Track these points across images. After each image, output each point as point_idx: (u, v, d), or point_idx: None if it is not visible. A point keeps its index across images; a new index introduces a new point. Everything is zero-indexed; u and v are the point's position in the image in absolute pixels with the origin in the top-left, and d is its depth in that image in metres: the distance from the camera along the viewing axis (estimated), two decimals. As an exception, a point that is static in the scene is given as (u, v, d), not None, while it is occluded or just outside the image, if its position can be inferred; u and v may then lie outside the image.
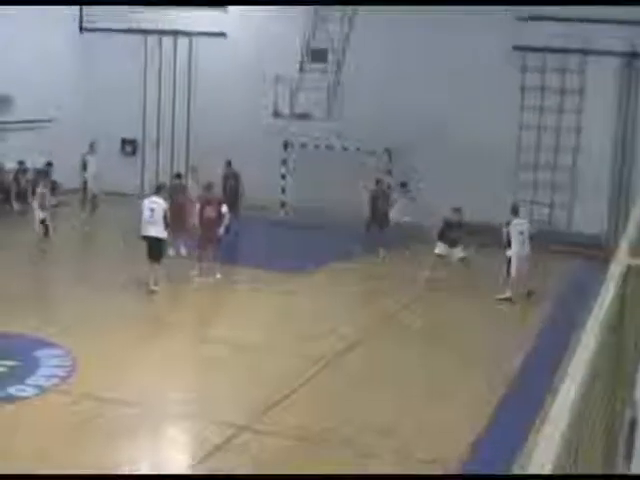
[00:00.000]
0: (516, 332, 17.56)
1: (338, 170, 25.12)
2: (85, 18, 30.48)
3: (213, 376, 14.19)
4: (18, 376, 13.43)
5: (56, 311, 17.61)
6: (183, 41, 29.63)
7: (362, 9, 24.35)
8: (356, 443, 11.67)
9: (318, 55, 24.60)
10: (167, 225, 18.43)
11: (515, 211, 19.78)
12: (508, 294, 19.13)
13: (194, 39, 29.43)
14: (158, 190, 19.16)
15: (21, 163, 27.65)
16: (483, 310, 18.63)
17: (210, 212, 19.72)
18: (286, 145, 26.70)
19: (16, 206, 27.09)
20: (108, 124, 29.16)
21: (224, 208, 19.81)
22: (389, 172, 25.19)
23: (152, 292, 18.42)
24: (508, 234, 19.24)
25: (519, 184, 25.72)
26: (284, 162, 26.84)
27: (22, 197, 27.39)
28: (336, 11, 24.32)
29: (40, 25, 27.92)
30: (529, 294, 19.37)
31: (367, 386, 13.97)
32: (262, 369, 14.46)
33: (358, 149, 25.51)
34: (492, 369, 14.81)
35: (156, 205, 18.44)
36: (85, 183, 26.15)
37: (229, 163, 24.49)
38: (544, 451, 2.71)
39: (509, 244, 19.20)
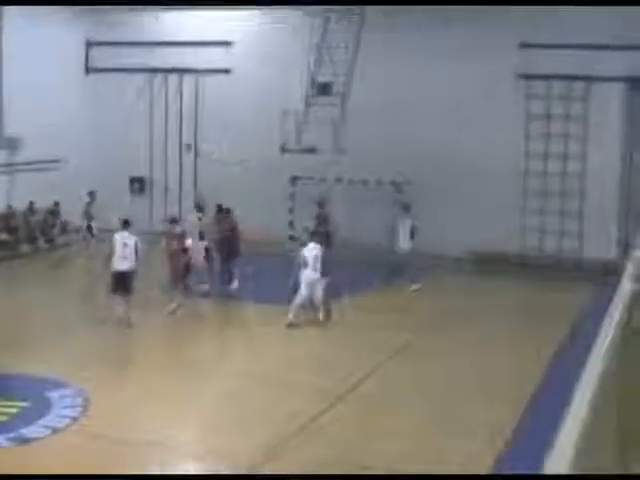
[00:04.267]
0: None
1: (346, 202, 25.19)
2: (90, 59, 30.69)
3: (226, 411, 14.11)
4: (30, 417, 13.42)
5: (66, 350, 17.53)
6: (189, 79, 29.81)
7: (365, 40, 24.41)
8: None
9: (323, 88, 24.68)
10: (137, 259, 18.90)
11: None
12: None
13: (200, 76, 29.60)
14: (125, 225, 19.35)
15: (31, 204, 27.79)
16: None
17: (175, 246, 20.23)
18: (293, 179, 26.76)
19: (25, 248, 27.19)
20: (116, 162, 29.32)
21: (188, 242, 20.31)
22: (406, 208, 24.95)
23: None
24: None
25: (527, 211, 25.82)
26: (291, 196, 26.88)
27: (31, 238, 27.54)
28: (340, 43, 24.39)
29: (46, 67, 28.13)
30: None
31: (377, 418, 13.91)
32: (277, 404, 14.41)
33: (365, 181, 25.54)
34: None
35: (128, 240, 18.87)
36: (89, 227, 26.27)
37: (321, 204, 24.54)
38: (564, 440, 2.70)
39: None
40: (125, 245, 18.88)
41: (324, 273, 19.20)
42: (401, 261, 23.18)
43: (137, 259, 18.93)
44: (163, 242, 20.76)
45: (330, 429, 13.25)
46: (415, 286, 22.86)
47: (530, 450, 8.92)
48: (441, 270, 24.90)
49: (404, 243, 23.16)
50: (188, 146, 29.10)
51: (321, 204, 24.52)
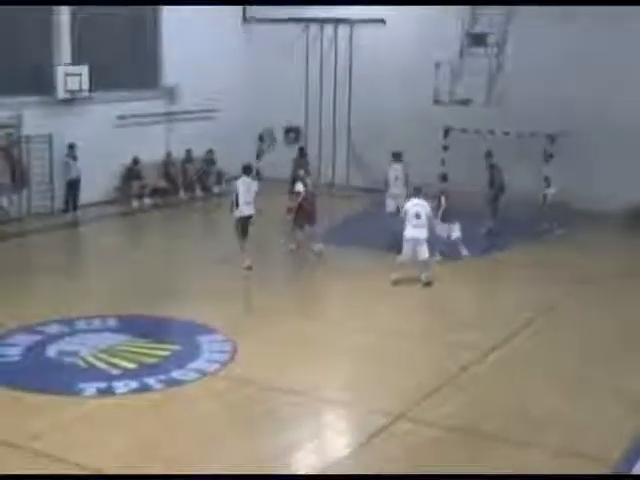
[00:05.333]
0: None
1: (499, 155, 24.77)
2: (248, 9, 31.01)
3: (367, 364, 14.22)
4: (181, 360, 13.89)
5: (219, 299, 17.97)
6: (344, 29, 29.78)
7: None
8: (512, 435, 11.55)
9: (478, 39, 24.28)
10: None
11: None
12: None
13: (354, 26, 29.54)
14: (246, 171, 19.79)
15: (188, 152, 28.48)
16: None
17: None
18: (447, 131, 26.50)
19: (183, 195, 27.95)
20: (272, 112, 29.65)
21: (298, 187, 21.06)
22: (551, 156, 24.55)
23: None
24: None
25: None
26: (445, 148, 26.62)
27: (189, 186, 28.26)
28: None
29: (204, 17, 28.59)
30: None
31: (525, 375, 13.80)
32: (415, 357, 14.48)
33: (520, 135, 25.09)
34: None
35: (251, 185, 19.45)
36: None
37: (489, 154, 24.04)
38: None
39: None
40: (248, 190, 19.33)
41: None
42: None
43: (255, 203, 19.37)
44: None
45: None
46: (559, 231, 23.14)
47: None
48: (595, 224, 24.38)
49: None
50: None
51: (489, 155, 24.08)
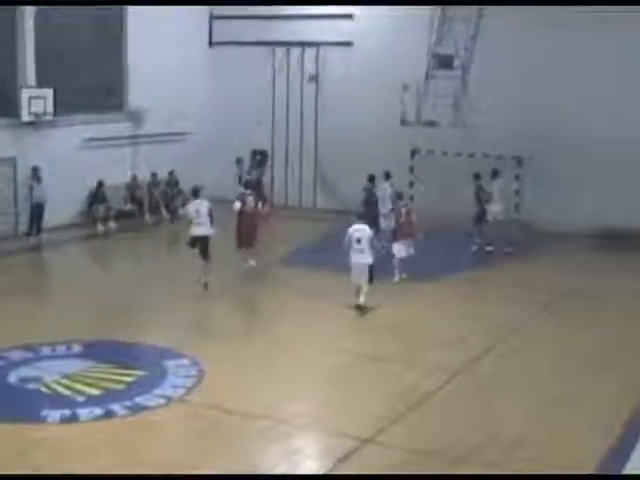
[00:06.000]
0: None
1: (467, 176, 24.86)
2: (214, 32, 30.99)
3: (334, 387, 14.11)
4: (147, 386, 13.70)
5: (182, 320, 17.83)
6: (310, 51, 29.80)
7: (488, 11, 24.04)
8: (481, 457, 11.47)
9: (444, 61, 24.35)
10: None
11: None
12: None
13: (321, 49, 29.57)
14: (195, 193, 20.28)
15: (153, 175, 28.31)
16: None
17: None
18: (413, 153, 26.54)
19: (149, 217, 27.75)
20: (238, 135, 29.59)
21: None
22: (495, 173, 24.53)
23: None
24: None
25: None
26: (412, 170, 26.67)
27: (155, 209, 28.08)
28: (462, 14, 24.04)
29: (171, 40, 28.52)
30: None
31: (494, 396, 13.74)
32: (383, 379, 14.39)
33: (486, 155, 25.16)
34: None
35: (200, 207, 19.75)
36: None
37: (477, 176, 24.14)
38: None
39: None
40: (198, 212, 19.63)
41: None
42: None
43: (212, 223, 19.65)
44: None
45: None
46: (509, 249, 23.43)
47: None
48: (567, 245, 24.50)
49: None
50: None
51: (477, 177, 24.09)
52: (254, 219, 21.62)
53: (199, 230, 19.70)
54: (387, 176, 24.07)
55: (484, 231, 23.88)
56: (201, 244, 19.64)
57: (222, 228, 20.51)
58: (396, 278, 20.50)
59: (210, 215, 19.70)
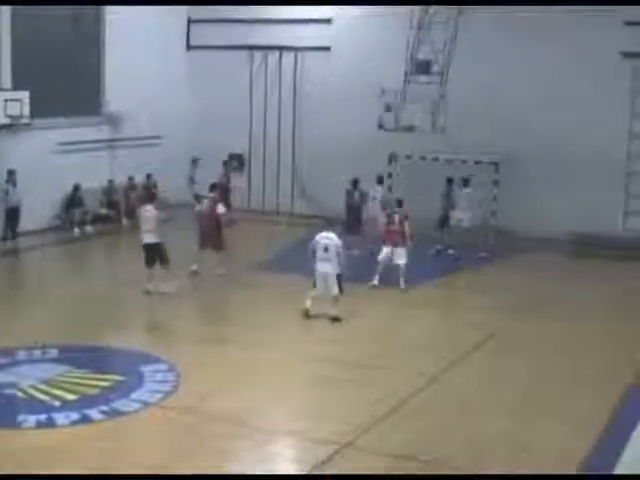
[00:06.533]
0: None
1: (444, 182, 24.99)
2: (192, 36, 30.93)
3: (311, 393, 14.08)
4: (123, 391, 13.62)
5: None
6: (289, 56, 29.78)
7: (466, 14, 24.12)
8: (459, 461, 11.46)
9: (422, 67, 24.36)
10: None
11: None
12: None
13: (299, 54, 29.55)
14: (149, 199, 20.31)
15: (130, 179, 28.19)
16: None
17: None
18: (391, 158, 26.55)
19: (125, 221, 27.61)
20: (216, 139, 29.51)
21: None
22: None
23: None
24: None
25: (630, 193, 25.35)
26: (390, 175, 26.66)
27: (132, 213, 27.91)
28: (440, 17, 24.05)
29: (148, 44, 28.42)
30: None
31: (472, 400, 13.75)
32: (363, 385, 14.36)
33: (464, 161, 25.24)
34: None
35: (150, 213, 19.48)
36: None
37: (450, 180, 24.97)
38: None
39: None
40: (147, 219, 19.39)
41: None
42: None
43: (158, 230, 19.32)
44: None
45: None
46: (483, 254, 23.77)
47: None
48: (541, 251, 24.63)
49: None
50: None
51: (450, 181, 24.83)
52: (212, 221, 20.98)
53: (148, 237, 19.42)
54: (380, 180, 24.67)
55: (445, 236, 24.31)
56: (150, 251, 19.32)
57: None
58: (374, 281, 20.43)
59: (157, 220, 19.35)
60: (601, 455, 11.64)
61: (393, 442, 12.02)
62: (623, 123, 25.29)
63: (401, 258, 20.47)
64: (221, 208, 21.09)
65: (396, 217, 20.97)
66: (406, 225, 20.77)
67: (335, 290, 17.80)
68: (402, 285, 20.32)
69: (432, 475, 10.25)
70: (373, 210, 24.07)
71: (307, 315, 17.70)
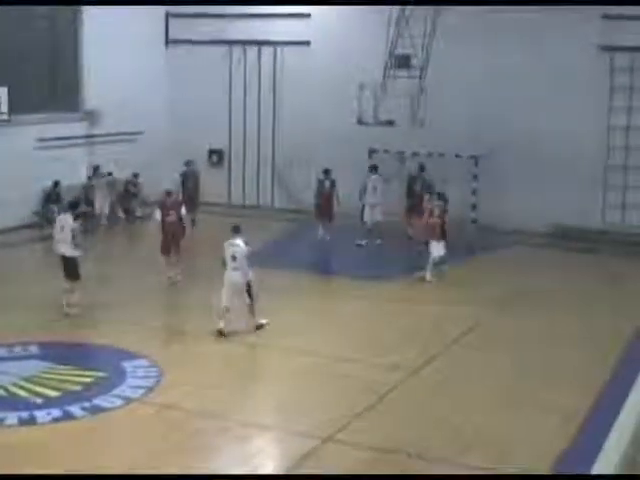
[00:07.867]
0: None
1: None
2: (170, 31, 30.83)
3: (293, 388, 14.10)
4: (105, 387, 13.59)
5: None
6: (267, 51, 29.74)
7: (443, 14, 24.17)
8: (441, 453, 11.50)
9: (402, 61, 24.38)
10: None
11: None
12: None
13: (278, 48, 29.52)
14: (71, 207, 18.49)
15: (109, 175, 28.06)
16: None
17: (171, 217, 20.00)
18: (371, 152, 26.59)
19: (104, 218, 27.47)
20: (195, 135, 29.45)
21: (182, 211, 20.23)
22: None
23: None
24: None
25: (608, 186, 25.43)
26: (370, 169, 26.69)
27: (111, 210, 27.82)
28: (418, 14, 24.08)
29: (126, 39, 28.27)
30: None
31: (454, 393, 13.80)
32: (343, 379, 14.38)
33: (442, 155, 25.31)
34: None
35: (65, 223, 17.58)
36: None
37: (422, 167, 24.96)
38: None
39: None
40: (62, 228, 17.58)
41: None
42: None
43: (75, 243, 17.44)
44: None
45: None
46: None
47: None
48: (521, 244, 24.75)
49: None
50: None
51: (422, 169, 24.93)
52: (174, 223, 20.09)
53: (61, 248, 17.62)
54: (375, 169, 24.78)
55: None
56: (65, 263, 17.63)
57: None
58: (428, 276, 20.73)
59: (73, 235, 17.36)
60: (583, 446, 11.70)
61: (375, 435, 12.06)
62: (602, 117, 25.36)
63: (439, 250, 20.72)
64: (158, 214, 20.21)
65: (437, 210, 21.06)
66: (446, 217, 20.95)
67: (244, 300, 16.47)
68: (428, 277, 20.73)
69: (432, 475, 10.29)
70: (373, 198, 24.30)
71: (222, 334, 16.13)
